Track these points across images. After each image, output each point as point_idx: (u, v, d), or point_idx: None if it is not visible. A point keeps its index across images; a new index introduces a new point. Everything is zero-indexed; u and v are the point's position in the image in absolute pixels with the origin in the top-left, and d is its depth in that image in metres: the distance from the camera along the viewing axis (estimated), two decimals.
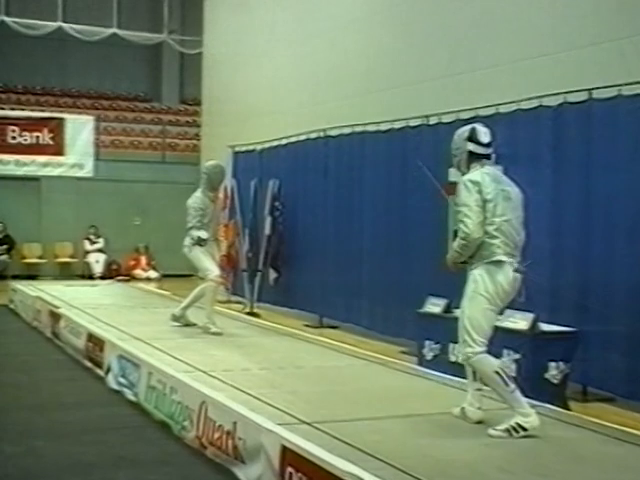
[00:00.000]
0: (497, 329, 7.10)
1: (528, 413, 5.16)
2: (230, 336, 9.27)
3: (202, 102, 21.37)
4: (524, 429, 5.11)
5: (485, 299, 5.33)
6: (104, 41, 22.62)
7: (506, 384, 5.22)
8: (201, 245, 9.34)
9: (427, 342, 8.11)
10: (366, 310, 11.14)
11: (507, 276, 5.34)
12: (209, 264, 9.48)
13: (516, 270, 5.38)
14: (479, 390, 5.53)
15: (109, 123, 22.74)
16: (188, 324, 9.72)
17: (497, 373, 5.24)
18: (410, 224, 10.16)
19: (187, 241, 9.43)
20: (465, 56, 10.90)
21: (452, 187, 7.99)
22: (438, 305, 8.16)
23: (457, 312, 7.75)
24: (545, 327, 7.10)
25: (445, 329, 7.77)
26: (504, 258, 5.33)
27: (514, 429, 5.12)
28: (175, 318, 9.79)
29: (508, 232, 5.36)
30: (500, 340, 7.05)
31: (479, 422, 5.42)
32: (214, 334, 9.25)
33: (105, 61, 24.35)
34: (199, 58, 21.20)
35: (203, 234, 9.33)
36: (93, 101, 24.11)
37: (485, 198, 5.28)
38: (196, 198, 9.45)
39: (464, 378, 5.82)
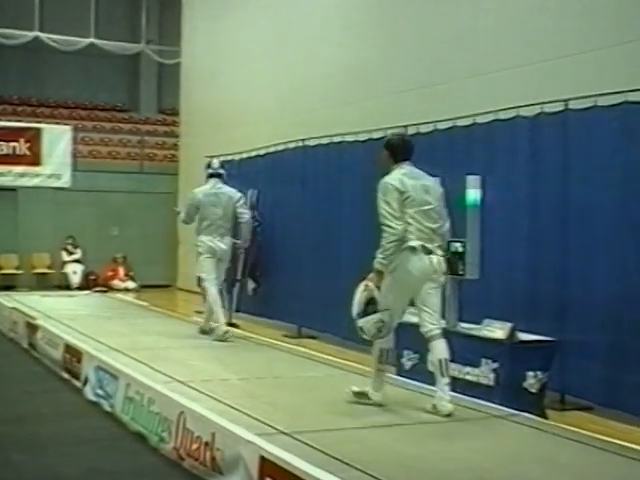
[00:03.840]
0: (475, 338, 7.19)
1: (378, 390, 6.24)
2: (208, 346, 9.23)
3: (180, 112, 21.37)
4: (368, 398, 6.23)
5: (396, 282, 6.04)
6: (82, 51, 22.59)
7: (380, 362, 6.27)
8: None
9: (405, 352, 8.09)
10: (344, 320, 11.06)
11: (419, 260, 6.04)
12: (209, 270, 9.77)
13: (430, 252, 6.05)
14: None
15: (87, 133, 22.63)
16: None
17: (381, 350, 6.25)
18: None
19: (198, 247, 9.78)
20: (443, 66, 10.97)
21: None
22: (416, 315, 8.13)
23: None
24: (523, 336, 7.11)
25: (422, 339, 7.79)
26: (416, 243, 6.03)
27: (360, 395, 6.27)
28: (203, 331, 9.90)
29: (423, 220, 6.09)
30: (478, 349, 7.10)
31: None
32: (226, 334, 9.50)
33: (83, 71, 24.24)
34: (177, 68, 21.22)
35: (183, 217, 9.89)
36: (71, 111, 23.99)
37: (402, 192, 6.04)
38: (192, 192, 9.91)
39: None
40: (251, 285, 13.31)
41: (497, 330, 7.06)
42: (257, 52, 16.25)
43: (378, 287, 5.95)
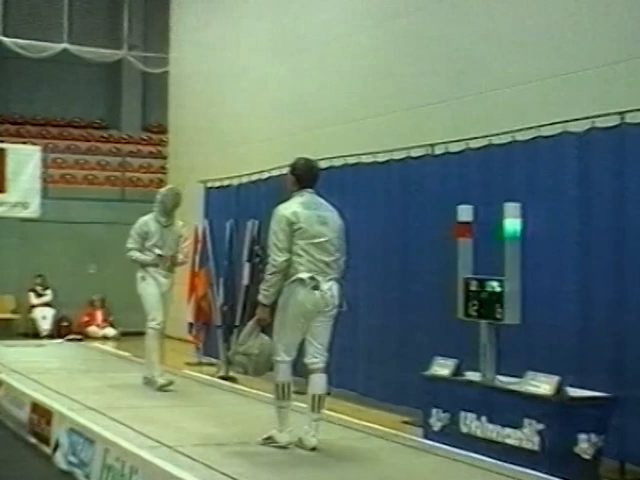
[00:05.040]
0: (516, 394, 7.16)
1: (283, 430, 6.93)
2: (201, 404, 9.21)
3: (168, 130, 21.48)
4: (275, 441, 6.93)
5: (288, 314, 6.88)
6: (53, 58, 22.64)
7: (278, 398, 6.98)
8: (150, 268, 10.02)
9: (434, 410, 8.06)
10: (362, 373, 11.09)
11: (308, 293, 6.83)
12: (152, 308, 10.03)
13: (315, 287, 6.83)
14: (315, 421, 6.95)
15: (59, 154, 22.77)
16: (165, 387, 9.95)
17: (277, 385, 6.97)
18: (413, 271, 10.15)
19: (139, 274, 10.14)
20: (475, 75, 11.01)
21: (463, 228, 8.08)
22: (446, 367, 8.13)
23: (469, 375, 7.83)
24: (573, 392, 7.08)
25: (455, 395, 7.76)
26: (304, 275, 6.81)
27: (268, 440, 6.96)
28: (147, 381, 10.01)
29: (316, 253, 6.87)
30: (520, 407, 7.07)
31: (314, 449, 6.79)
32: (162, 388, 9.63)
33: (54, 82, 24.38)
34: (164, 78, 21.33)
35: (137, 255, 10.07)
36: (40, 129, 24.15)
37: (292, 223, 6.82)
38: (141, 221, 10.23)
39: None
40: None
41: (542, 385, 7.03)
42: (257, 60, 16.36)
43: (269, 321, 6.87)
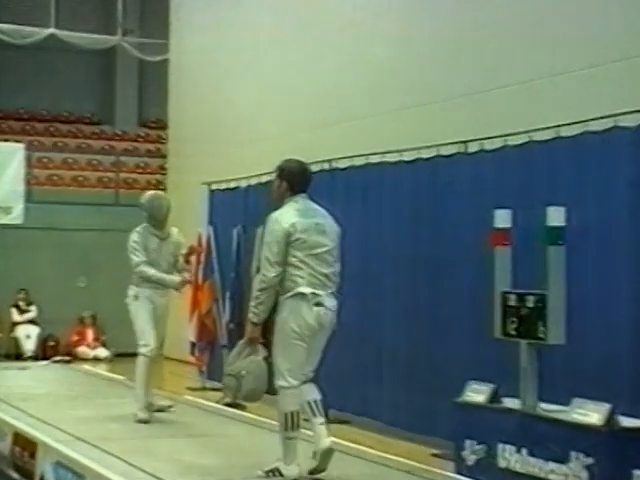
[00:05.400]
0: (561, 424, 7.14)
1: (291, 462, 7.00)
2: (205, 435, 9.21)
3: (168, 125, 21.51)
4: (282, 475, 6.99)
5: (289, 333, 7.00)
6: (39, 45, 22.71)
7: (286, 429, 7.00)
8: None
9: (468, 442, 8.05)
10: (386, 399, 11.08)
11: (311, 309, 6.93)
12: (144, 332, 9.86)
13: (318, 304, 6.93)
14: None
15: (45, 153, 22.87)
16: (161, 409, 10.01)
17: (285, 415, 6.98)
18: (444, 284, 10.14)
19: (130, 291, 9.99)
20: (514, 62, 10.99)
21: (500, 235, 8.08)
22: (482, 392, 8.11)
23: (508, 402, 7.82)
24: (626, 422, 7.06)
25: (491, 424, 7.74)
26: (307, 290, 6.91)
27: (273, 472, 7.03)
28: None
29: (316, 265, 6.96)
30: (566, 439, 7.05)
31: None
32: (140, 421, 9.57)
33: (40, 72, 24.50)
34: (163, 67, 21.35)
35: (151, 271, 9.83)
36: (23, 124, 24.26)
37: (290, 233, 6.90)
38: (134, 232, 9.98)
39: None
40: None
41: (591, 413, 7.01)
42: (269, 46, 16.37)
43: (261, 341, 7.13)
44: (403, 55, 12.94)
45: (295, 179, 7.25)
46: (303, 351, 7.06)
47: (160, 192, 10.78)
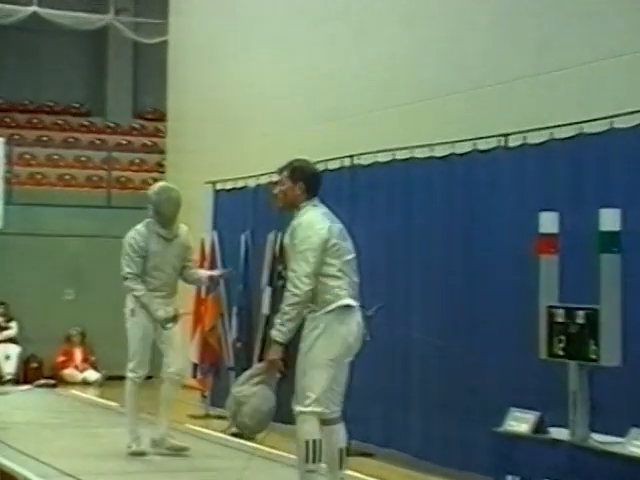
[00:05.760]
0: (616, 457, 7.09)
1: None
2: (207, 469, 9.24)
3: (167, 117, 21.54)
4: None
5: (326, 353, 7.01)
6: (20, 25, 22.79)
7: (307, 460, 6.97)
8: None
9: (509, 477, 8.02)
10: (416, 429, 11.05)
11: (354, 322, 7.07)
12: (136, 354, 9.97)
13: (365, 317, 7.14)
14: None
15: (27, 148, 22.95)
16: (174, 449, 9.95)
17: (307, 444, 6.96)
18: (480, 296, 10.12)
19: (128, 302, 9.96)
20: (559, 45, 10.97)
21: (546, 241, 8.04)
22: (525, 421, 8.08)
23: (554, 432, 7.78)
24: None
25: (536, 458, 7.70)
26: (352, 302, 7.07)
27: None
28: (155, 444, 9.97)
29: (350, 273, 7.13)
30: (622, 473, 7.02)
31: None
32: (134, 454, 9.63)
33: (21, 56, 24.58)
34: (161, 50, 21.38)
35: (139, 290, 9.76)
36: (3, 115, 24.33)
37: (327, 239, 7.01)
38: (136, 233, 9.90)
39: None
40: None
41: None
42: (281, 27, 16.38)
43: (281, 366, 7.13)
44: (433, 38, 12.93)
45: (312, 181, 7.36)
46: (333, 374, 7.10)
47: (172, 185, 10.58)
